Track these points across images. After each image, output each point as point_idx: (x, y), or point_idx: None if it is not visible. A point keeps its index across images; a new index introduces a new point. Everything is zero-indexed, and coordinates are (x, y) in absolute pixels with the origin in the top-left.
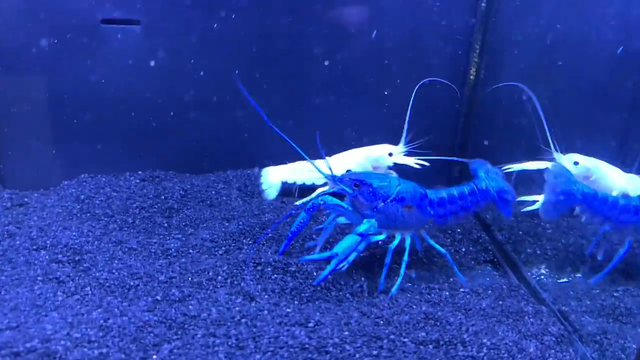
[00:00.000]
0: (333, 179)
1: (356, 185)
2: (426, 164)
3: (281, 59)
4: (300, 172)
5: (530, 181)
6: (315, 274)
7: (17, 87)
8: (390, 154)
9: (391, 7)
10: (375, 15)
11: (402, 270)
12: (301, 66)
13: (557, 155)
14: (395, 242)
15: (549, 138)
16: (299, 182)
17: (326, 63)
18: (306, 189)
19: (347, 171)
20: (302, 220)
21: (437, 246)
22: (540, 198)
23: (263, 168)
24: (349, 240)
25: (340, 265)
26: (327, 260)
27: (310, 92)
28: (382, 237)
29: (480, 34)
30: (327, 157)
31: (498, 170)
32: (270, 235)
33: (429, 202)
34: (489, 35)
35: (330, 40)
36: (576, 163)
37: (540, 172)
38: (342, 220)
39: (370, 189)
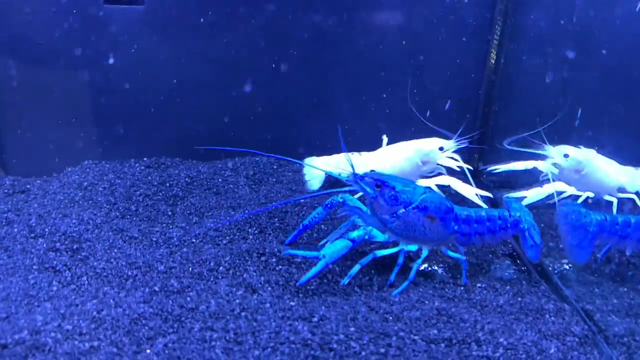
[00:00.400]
0: (354, 177)
1: (377, 186)
2: (470, 167)
3: (299, 44)
4: (344, 164)
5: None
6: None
7: (20, 73)
8: (442, 149)
9: None
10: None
11: (411, 274)
12: (323, 57)
13: (547, 148)
14: (409, 247)
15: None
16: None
17: (337, 61)
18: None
19: (371, 171)
20: (317, 215)
21: (456, 255)
22: (528, 193)
23: (306, 158)
24: (339, 245)
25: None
26: (313, 260)
27: (330, 83)
28: (381, 237)
29: (500, 21)
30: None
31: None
32: (276, 224)
33: (455, 217)
34: (509, 21)
35: (349, 30)
36: (566, 155)
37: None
38: (359, 222)
39: (393, 192)
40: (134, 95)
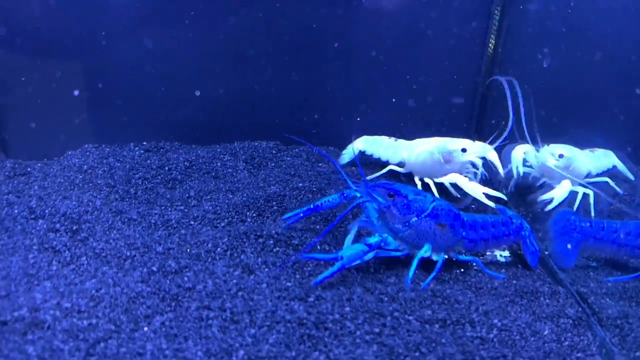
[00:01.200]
0: (365, 186)
1: (390, 195)
2: (486, 174)
3: (294, 34)
4: (378, 145)
5: None
6: (319, 247)
7: (21, 57)
8: (464, 150)
9: None
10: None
11: (429, 279)
12: (323, 47)
13: (541, 150)
14: (422, 253)
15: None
16: (376, 155)
17: (335, 45)
18: (381, 164)
19: (382, 182)
20: (329, 200)
21: (467, 258)
22: (555, 194)
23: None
24: (356, 248)
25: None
26: (331, 262)
27: (326, 68)
28: (398, 253)
29: (498, 14)
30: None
31: None
32: (274, 208)
33: (462, 223)
34: (506, 15)
35: (347, 23)
36: (561, 156)
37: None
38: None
39: (406, 201)
40: (134, 80)
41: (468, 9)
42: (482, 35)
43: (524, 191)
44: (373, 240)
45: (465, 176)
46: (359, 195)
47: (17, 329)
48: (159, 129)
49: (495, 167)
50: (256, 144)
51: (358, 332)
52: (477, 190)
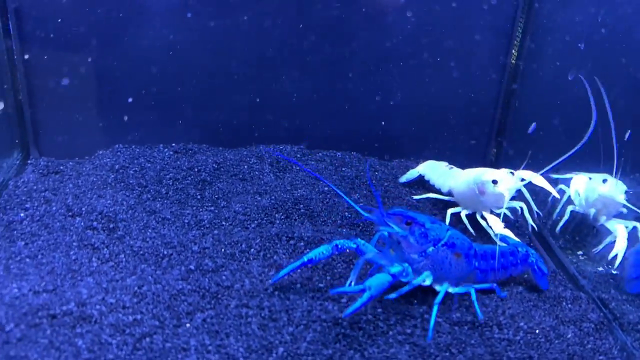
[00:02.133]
0: (381, 215)
1: (408, 224)
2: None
3: (322, 33)
4: (435, 171)
5: None
6: (347, 250)
7: (54, 57)
8: (495, 182)
9: None
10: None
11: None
12: (344, 44)
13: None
14: (440, 297)
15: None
16: (432, 181)
17: (362, 52)
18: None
19: (398, 209)
20: (322, 252)
21: (486, 286)
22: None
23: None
24: (381, 278)
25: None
26: (359, 293)
27: (350, 72)
28: (427, 283)
29: (523, 17)
30: (452, 168)
31: None
32: (302, 210)
33: (475, 253)
34: (532, 18)
35: (376, 28)
36: (628, 191)
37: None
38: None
39: (423, 229)
40: (163, 82)
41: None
42: (506, 46)
43: (574, 233)
44: (395, 270)
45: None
46: (354, 246)
47: (66, 323)
48: (188, 132)
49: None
50: (281, 147)
51: (391, 332)
52: (496, 225)
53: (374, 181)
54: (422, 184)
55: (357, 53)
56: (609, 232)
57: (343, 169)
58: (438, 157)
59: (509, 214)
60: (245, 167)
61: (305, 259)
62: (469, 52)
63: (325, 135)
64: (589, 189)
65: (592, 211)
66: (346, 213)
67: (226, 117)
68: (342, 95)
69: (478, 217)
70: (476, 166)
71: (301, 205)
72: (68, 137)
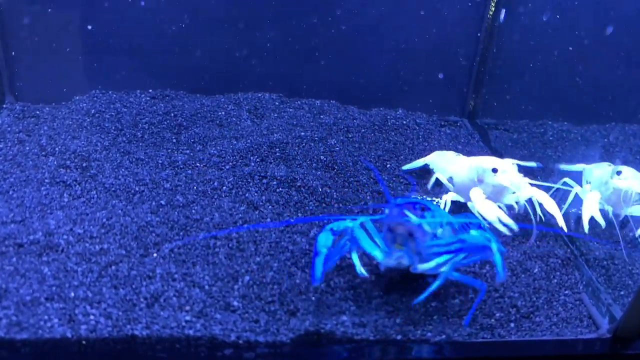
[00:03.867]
0: (395, 204)
1: (422, 210)
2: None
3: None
4: (442, 159)
5: None
6: (320, 190)
7: (30, 4)
8: (495, 170)
9: None
10: None
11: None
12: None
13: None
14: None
15: None
16: (436, 169)
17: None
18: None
19: (404, 198)
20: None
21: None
22: None
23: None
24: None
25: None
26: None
27: (330, 18)
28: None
29: None
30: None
31: None
32: (277, 154)
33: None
34: None
35: None
36: (619, 172)
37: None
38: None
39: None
40: (140, 27)
41: None
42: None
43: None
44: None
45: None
46: (351, 225)
47: (32, 251)
48: (165, 78)
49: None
50: (259, 95)
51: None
52: (490, 213)
53: (350, 135)
54: (427, 172)
55: (337, 5)
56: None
57: (321, 116)
58: (416, 106)
59: (504, 208)
60: (223, 113)
61: (323, 250)
62: (448, 3)
63: (304, 84)
64: (600, 183)
65: (609, 209)
66: (322, 157)
67: (204, 64)
68: (322, 43)
69: (472, 207)
70: (454, 117)
71: (277, 149)
72: (45, 83)
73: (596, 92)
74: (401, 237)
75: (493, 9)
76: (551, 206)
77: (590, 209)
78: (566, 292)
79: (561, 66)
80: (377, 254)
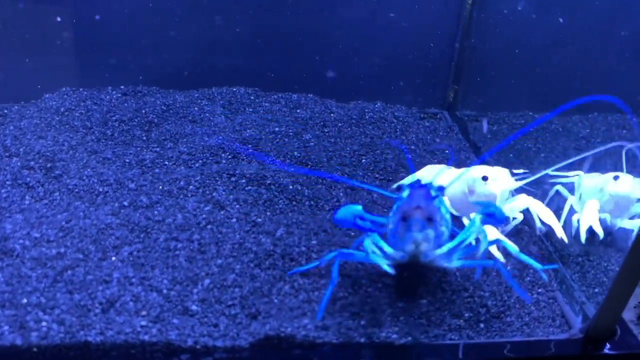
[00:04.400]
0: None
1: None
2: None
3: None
4: (428, 172)
5: None
6: (291, 187)
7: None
8: (485, 178)
9: None
10: None
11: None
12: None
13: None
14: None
15: None
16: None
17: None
18: None
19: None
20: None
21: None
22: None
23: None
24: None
25: None
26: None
27: (309, 11)
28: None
29: None
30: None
31: None
32: (250, 150)
33: None
34: None
35: None
36: (616, 177)
37: None
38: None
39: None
40: (112, 23)
41: None
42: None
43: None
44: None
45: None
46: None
47: None
48: (137, 74)
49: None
50: (234, 89)
51: (323, 264)
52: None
53: (325, 129)
54: None
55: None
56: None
57: (298, 110)
58: (396, 99)
59: None
60: (196, 108)
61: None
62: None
63: (281, 77)
64: (595, 191)
65: (606, 217)
66: (295, 153)
67: (177, 59)
68: (300, 35)
69: (465, 220)
70: (434, 109)
71: (249, 145)
72: (13, 82)
73: (578, 82)
74: (418, 224)
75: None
76: (548, 217)
77: (590, 219)
78: (539, 290)
79: (540, 56)
80: (387, 249)
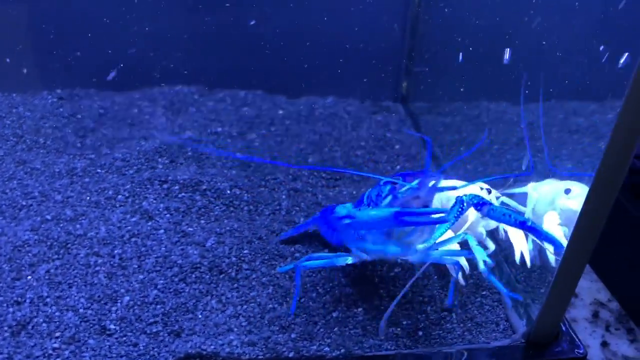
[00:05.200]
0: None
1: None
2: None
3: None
4: None
5: None
6: (228, 192)
7: None
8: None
9: None
10: None
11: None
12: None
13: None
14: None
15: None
16: None
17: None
18: None
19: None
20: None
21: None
22: None
23: None
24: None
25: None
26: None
27: (253, 4)
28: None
29: None
30: None
31: None
32: (188, 153)
33: None
34: None
35: None
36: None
37: None
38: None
39: None
40: (46, 23)
41: None
42: None
43: None
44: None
45: None
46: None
47: None
48: (75, 76)
49: None
50: (177, 88)
51: (254, 275)
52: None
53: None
54: None
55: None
56: None
57: (244, 108)
58: (349, 93)
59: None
60: (135, 111)
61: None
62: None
63: (227, 73)
64: (546, 202)
65: (564, 229)
66: (238, 153)
67: (115, 58)
68: (247, 30)
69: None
70: (388, 102)
71: (188, 148)
72: None
73: (532, 69)
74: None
75: None
76: (516, 237)
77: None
78: (484, 292)
79: (492, 45)
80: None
